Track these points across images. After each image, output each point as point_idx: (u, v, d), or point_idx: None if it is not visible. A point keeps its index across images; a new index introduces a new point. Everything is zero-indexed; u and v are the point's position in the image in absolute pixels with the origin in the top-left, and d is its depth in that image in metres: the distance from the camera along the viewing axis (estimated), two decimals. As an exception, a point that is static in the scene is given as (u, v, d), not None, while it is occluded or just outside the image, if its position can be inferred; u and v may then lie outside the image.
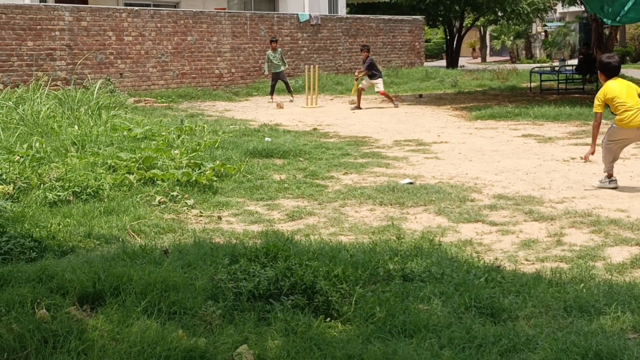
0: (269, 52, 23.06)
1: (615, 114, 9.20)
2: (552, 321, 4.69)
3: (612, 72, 9.37)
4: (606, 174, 9.36)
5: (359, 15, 33.63)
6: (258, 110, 20.17)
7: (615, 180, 9.32)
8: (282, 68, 22.98)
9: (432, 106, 20.91)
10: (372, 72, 20.71)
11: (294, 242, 6.47)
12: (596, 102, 9.31)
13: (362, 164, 11.27)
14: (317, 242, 6.59)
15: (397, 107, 20.53)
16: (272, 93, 23.11)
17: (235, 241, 6.62)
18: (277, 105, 21.05)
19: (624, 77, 29.92)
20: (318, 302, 4.83)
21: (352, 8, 42.61)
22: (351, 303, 4.84)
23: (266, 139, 13.40)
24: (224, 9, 28.76)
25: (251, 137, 13.71)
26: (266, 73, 23.38)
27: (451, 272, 5.52)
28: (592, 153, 9.52)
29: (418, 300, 4.95)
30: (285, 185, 9.57)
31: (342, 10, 37.39)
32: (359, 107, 20.47)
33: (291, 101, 22.56)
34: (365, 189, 9.34)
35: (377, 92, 20.97)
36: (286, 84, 23.09)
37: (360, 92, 20.87)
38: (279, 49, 23.39)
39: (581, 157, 10.37)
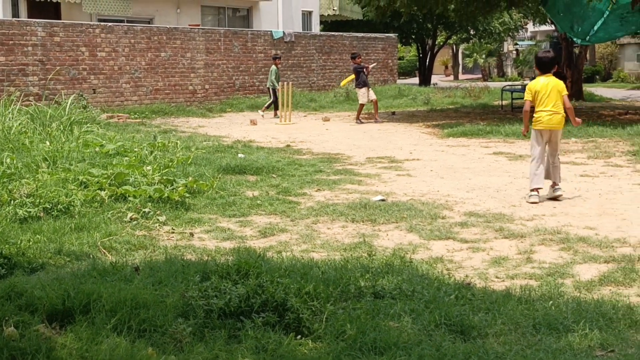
0: (274, 67, 23.43)
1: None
2: (521, 338, 4.73)
3: (543, 67, 9.95)
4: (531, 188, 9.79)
5: (333, 33, 33.79)
6: (232, 127, 20.17)
7: (537, 195, 9.68)
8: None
9: (404, 123, 21.02)
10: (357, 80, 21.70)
11: (265, 259, 6.46)
12: (527, 91, 10.05)
13: (335, 180, 11.30)
14: (288, 259, 6.60)
15: (359, 123, 20.88)
16: (277, 108, 23.02)
17: (206, 258, 6.60)
18: (251, 122, 21.09)
19: (592, 95, 30.16)
20: (289, 319, 4.83)
21: (325, 25, 42.80)
22: (322, 320, 4.85)
23: (239, 155, 13.40)
24: (198, 25, 28.77)
25: (224, 154, 13.70)
26: (278, 87, 23.01)
27: (422, 289, 5.55)
28: (524, 132, 10.41)
29: (388, 317, 4.97)
30: (258, 201, 9.57)
31: (316, 28, 37.56)
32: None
33: (262, 117, 22.90)
34: (338, 205, 9.36)
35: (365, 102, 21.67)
36: (276, 100, 23.32)
37: (375, 104, 21.77)
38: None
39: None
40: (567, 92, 9.94)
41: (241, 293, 5.03)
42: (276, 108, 22.96)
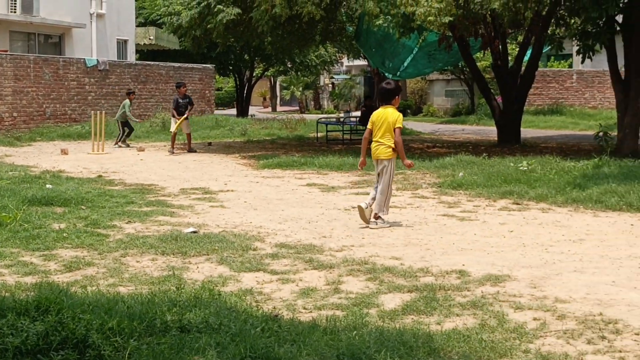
0: (127, 101, 23.90)
1: None
2: (325, 369, 4.78)
3: (381, 97, 10.41)
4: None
5: (149, 62, 33.44)
6: (41, 156, 19.48)
7: (382, 221, 10.12)
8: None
9: (220, 154, 21.02)
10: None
11: (69, 294, 6.21)
12: (370, 120, 10.34)
13: (147, 212, 11.10)
14: (93, 294, 6.40)
15: (171, 154, 20.81)
16: (128, 136, 23.94)
17: (5, 294, 6.30)
18: (62, 151, 20.47)
19: (404, 128, 31.42)
20: (90, 356, 4.67)
21: (142, 54, 42.25)
22: (124, 357, 4.72)
23: (47, 186, 12.93)
24: (6, 51, 27.72)
25: (31, 184, 13.16)
26: (120, 120, 23.76)
27: (229, 322, 5.50)
28: (360, 165, 10.76)
29: (193, 352, 4.90)
30: (64, 234, 9.24)
31: (132, 57, 37.04)
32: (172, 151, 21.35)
33: (129, 147, 23.42)
34: (148, 238, 9.18)
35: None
36: (123, 131, 23.78)
37: (188, 136, 22.10)
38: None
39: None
40: (400, 125, 10.11)
41: (40, 330, 4.82)
42: (127, 136, 23.73)
